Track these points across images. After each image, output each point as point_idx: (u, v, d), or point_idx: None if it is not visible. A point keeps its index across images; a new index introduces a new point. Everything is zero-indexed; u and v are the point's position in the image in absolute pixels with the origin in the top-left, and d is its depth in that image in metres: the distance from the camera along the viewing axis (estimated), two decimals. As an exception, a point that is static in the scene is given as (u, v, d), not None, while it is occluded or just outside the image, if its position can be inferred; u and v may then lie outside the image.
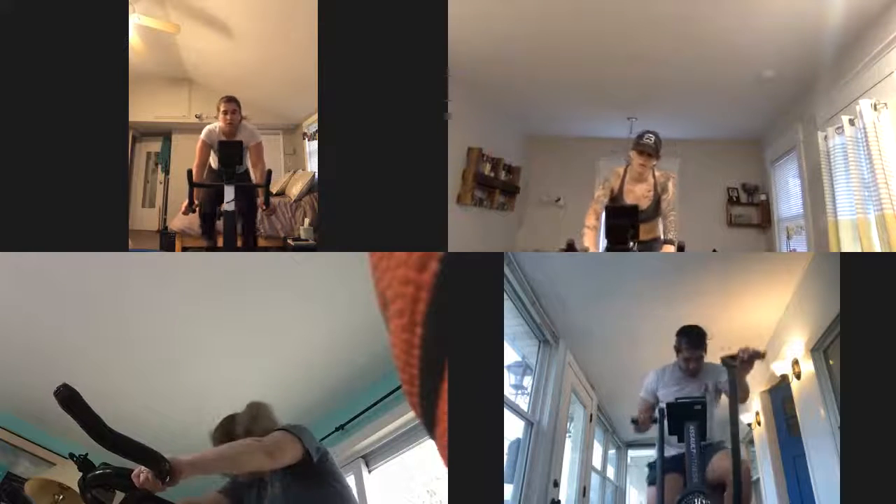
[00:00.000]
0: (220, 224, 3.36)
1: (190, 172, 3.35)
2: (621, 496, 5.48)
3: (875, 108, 3.01)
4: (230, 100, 3.44)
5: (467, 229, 4.84)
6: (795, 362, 3.42)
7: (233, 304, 2.94)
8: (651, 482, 2.79)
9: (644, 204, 3.35)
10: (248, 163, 3.50)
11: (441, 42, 2.51)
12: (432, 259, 0.49)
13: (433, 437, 0.53)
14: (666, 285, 3.30)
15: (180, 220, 3.97)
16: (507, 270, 2.89)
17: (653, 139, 3.29)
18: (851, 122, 3.20)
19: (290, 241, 3.88)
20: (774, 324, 3.64)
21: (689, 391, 2.75)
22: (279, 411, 2.30)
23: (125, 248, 2.59)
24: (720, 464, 2.55)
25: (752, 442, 4.46)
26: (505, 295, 2.60)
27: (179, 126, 4.68)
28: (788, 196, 5.07)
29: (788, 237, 5.05)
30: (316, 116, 2.82)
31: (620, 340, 3.88)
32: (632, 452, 5.63)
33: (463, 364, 2.26)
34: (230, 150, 3.24)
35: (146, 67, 4.18)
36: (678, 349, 2.90)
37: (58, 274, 2.66)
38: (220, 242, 3.36)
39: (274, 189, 3.90)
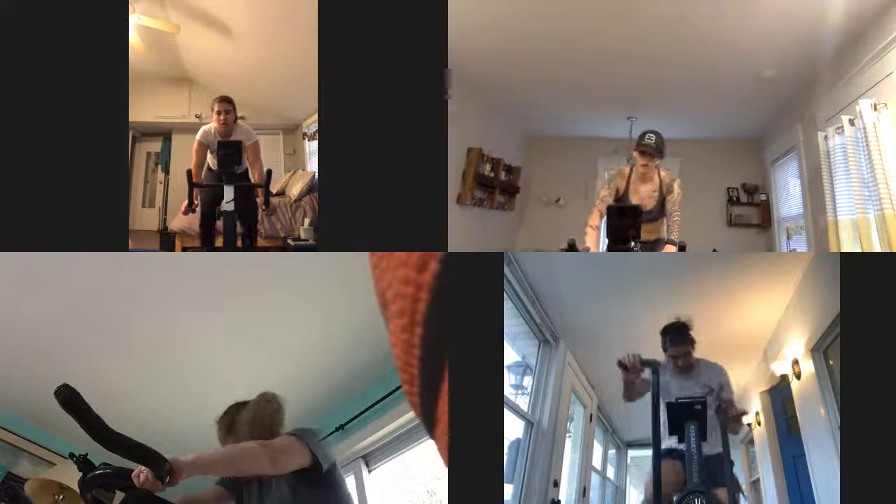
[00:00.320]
0: (219, 224, 3.36)
1: (189, 173, 3.35)
2: (621, 496, 5.48)
3: (875, 108, 3.01)
4: (223, 100, 3.43)
5: (467, 229, 4.84)
6: (795, 362, 3.42)
7: (233, 305, 2.94)
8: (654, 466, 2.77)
9: (649, 204, 3.35)
10: (246, 163, 3.50)
11: (441, 42, 2.51)
12: (432, 259, 0.49)
13: (433, 437, 0.53)
14: (666, 285, 3.30)
15: (180, 220, 3.97)
16: (507, 270, 2.89)
17: (654, 139, 3.29)
18: (851, 122, 3.20)
19: (290, 241, 3.88)
20: (774, 324, 3.65)
21: (688, 392, 2.75)
22: (279, 411, 2.29)
23: (125, 248, 2.59)
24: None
25: (752, 442, 4.46)
26: (505, 295, 2.60)
27: (179, 126, 4.67)
28: (788, 196, 5.07)
29: (788, 237, 5.05)
30: (316, 116, 2.82)
31: (620, 340, 3.88)
32: (632, 452, 5.63)
33: (463, 364, 2.26)
34: (230, 151, 3.24)
35: (146, 67, 4.18)
36: (664, 349, 2.89)
37: (58, 274, 2.66)
38: (220, 242, 3.36)
39: (274, 189, 3.90)
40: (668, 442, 2.61)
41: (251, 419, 2.16)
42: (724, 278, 3.31)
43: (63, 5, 2.46)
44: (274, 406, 2.22)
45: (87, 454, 1.84)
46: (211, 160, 3.46)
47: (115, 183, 2.52)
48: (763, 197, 5.69)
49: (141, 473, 1.64)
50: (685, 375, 2.87)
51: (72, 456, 1.88)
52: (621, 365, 2.76)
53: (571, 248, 3.08)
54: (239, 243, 3.24)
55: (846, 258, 2.48)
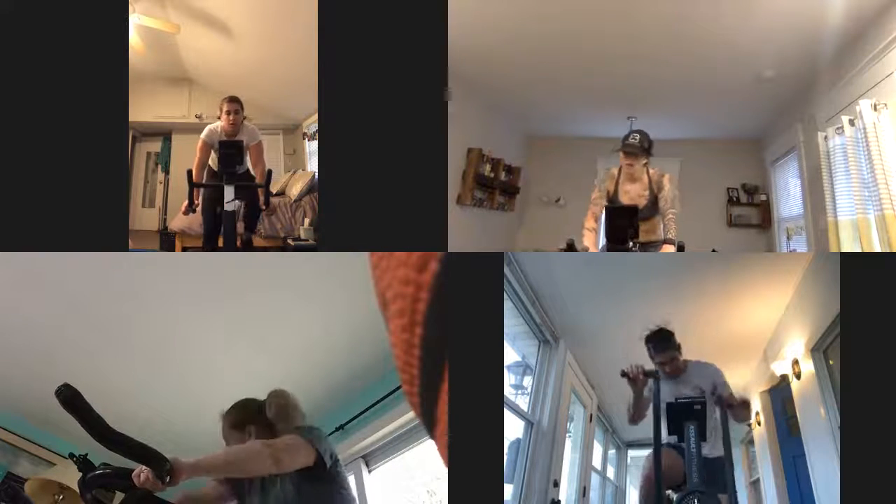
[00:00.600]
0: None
1: (190, 172, 3.35)
2: (621, 496, 5.48)
3: (875, 109, 3.01)
4: (233, 100, 3.44)
5: (467, 229, 4.84)
6: (795, 362, 3.42)
7: (233, 305, 2.94)
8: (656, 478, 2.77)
9: (640, 203, 3.35)
10: (249, 163, 3.50)
11: (441, 42, 2.51)
12: (432, 259, 0.49)
13: (433, 437, 0.53)
14: (666, 285, 3.30)
15: (180, 220, 3.96)
16: (507, 270, 2.89)
17: (637, 138, 3.30)
18: (851, 123, 3.20)
19: (290, 241, 3.88)
20: (774, 324, 3.65)
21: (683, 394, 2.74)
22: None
23: (125, 248, 2.59)
24: None
25: (752, 442, 4.46)
26: (505, 295, 2.61)
27: (179, 126, 4.67)
28: (788, 196, 5.07)
29: (788, 237, 5.05)
30: (316, 116, 2.82)
31: (620, 340, 3.88)
32: (632, 452, 5.62)
33: (463, 364, 2.26)
34: (231, 150, 3.24)
35: (146, 67, 4.18)
36: (651, 357, 2.89)
37: (58, 274, 2.66)
38: (220, 242, 3.36)
39: (274, 189, 3.89)
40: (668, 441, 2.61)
41: (275, 415, 2.16)
42: (724, 278, 3.31)
43: (63, 5, 2.46)
44: (291, 399, 2.22)
45: (87, 454, 1.84)
46: (213, 160, 3.46)
47: (115, 183, 2.52)
48: (763, 197, 5.69)
49: (141, 473, 1.64)
50: (675, 380, 2.86)
51: (72, 456, 1.89)
52: (625, 375, 2.76)
53: (570, 248, 3.08)
54: (239, 243, 3.24)
55: (846, 258, 2.49)
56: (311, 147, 4.49)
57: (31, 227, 2.43)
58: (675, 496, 2.57)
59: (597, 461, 4.77)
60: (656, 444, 2.56)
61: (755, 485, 4.41)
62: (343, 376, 3.39)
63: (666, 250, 3.25)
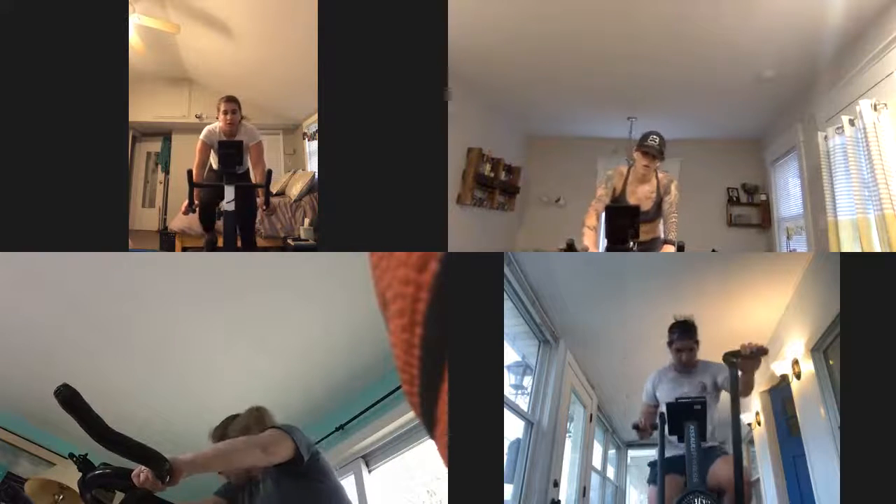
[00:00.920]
0: (219, 224, 3.36)
1: (190, 172, 3.35)
2: (621, 496, 5.48)
3: (875, 109, 3.01)
4: (230, 100, 3.44)
5: (467, 229, 4.84)
6: (795, 362, 3.42)
7: (233, 305, 2.94)
8: (652, 481, 2.79)
9: (646, 205, 3.35)
10: (249, 163, 3.50)
11: (441, 42, 2.51)
12: (432, 259, 0.49)
13: (433, 437, 0.53)
14: (666, 285, 3.30)
15: (180, 220, 3.96)
16: (507, 270, 2.89)
17: (657, 140, 3.30)
18: (851, 123, 3.20)
19: (290, 241, 3.87)
20: (774, 324, 3.64)
21: (686, 391, 2.75)
22: (280, 410, 2.31)
23: (125, 248, 2.59)
24: (721, 469, 2.54)
25: (752, 442, 4.46)
26: (505, 295, 2.60)
27: (179, 126, 4.67)
28: (788, 196, 5.07)
29: (788, 237, 5.05)
30: (316, 116, 2.82)
31: (620, 340, 3.88)
32: (632, 452, 5.63)
33: (463, 364, 2.26)
34: (230, 150, 3.23)
35: (146, 67, 4.18)
36: (670, 343, 2.91)
37: (58, 274, 2.66)
38: (220, 242, 3.36)
39: (274, 189, 3.89)
40: (669, 451, 2.60)
41: (244, 426, 2.19)
42: (724, 278, 3.31)
43: (63, 5, 2.46)
44: (264, 413, 2.25)
45: (86, 454, 1.84)
46: (213, 160, 3.46)
47: (115, 183, 2.52)
48: (763, 197, 5.69)
49: (141, 473, 1.64)
50: (685, 372, 2.87)
51: (72, 456, 1.88)
52: (636, 428, 2.95)
53: (570, 248, 3.08)
54: (239, 243, 3.23)
55: (846, 258, 2.49)
56: (311, 147, 4.49)
57: (31, 227, 2.43)
58: None
59: (597, 461, 4.77)
60: (661, 491, 2.55)
61: (755, 485, 4.41)
62: (343, 376, 3.39)
63: (666, 250, 3.25)
